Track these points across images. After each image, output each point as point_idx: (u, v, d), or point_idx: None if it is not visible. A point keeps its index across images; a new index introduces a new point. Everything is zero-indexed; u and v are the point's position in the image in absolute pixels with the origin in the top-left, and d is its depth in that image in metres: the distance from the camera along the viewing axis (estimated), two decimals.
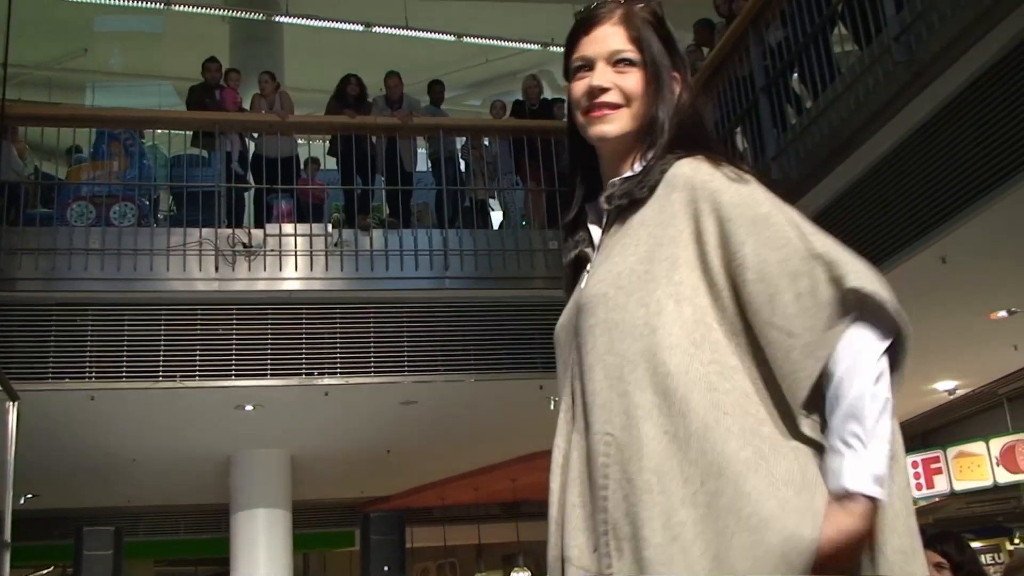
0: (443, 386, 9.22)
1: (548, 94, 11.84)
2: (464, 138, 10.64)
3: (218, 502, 12.05)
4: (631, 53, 1.81)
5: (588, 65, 1.83)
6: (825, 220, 7.50)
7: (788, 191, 7.57)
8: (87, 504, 13.90)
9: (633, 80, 1.81)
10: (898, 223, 6.65)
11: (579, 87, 1.83)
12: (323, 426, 10.53)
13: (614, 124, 1.81)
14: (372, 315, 9.12)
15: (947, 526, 10.46)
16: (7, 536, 8.33)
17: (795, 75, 7.87)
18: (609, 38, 1.82)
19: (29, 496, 12.58)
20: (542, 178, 9.58)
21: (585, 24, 1.85)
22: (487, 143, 10.60)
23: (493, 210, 10.64)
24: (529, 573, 16.13)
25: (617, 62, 1.81)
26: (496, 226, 10.36)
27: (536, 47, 17.45)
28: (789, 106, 7.97)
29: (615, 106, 1.81)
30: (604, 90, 1.80)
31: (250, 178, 9.90)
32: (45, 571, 16.81)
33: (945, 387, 10.55)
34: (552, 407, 10.10)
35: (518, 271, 9.26)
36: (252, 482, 11.33)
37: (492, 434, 11.40)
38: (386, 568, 9.72)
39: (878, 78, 6.36)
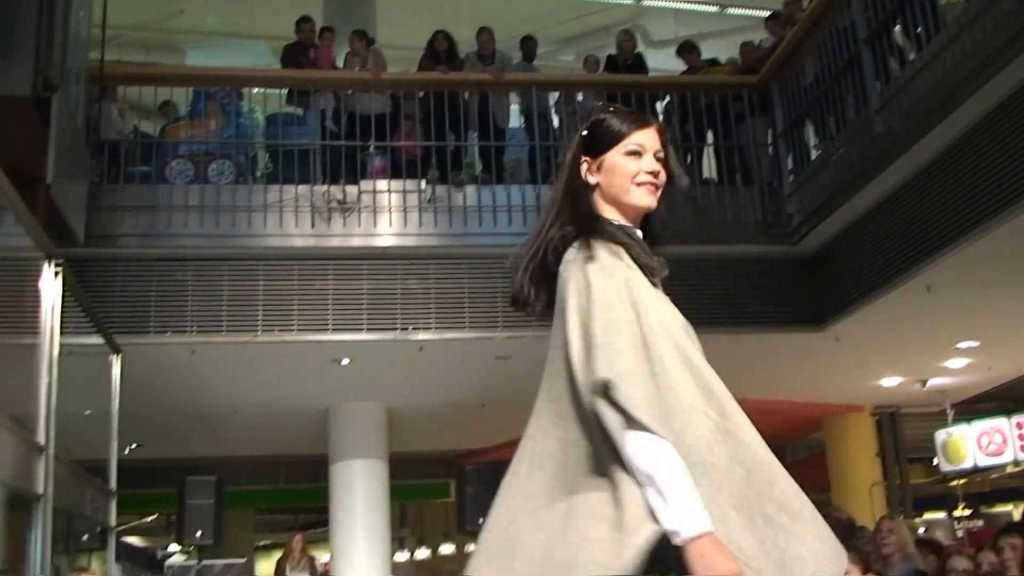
0: (536, 341, 8.96)
1: (641, 48, 11.62)
2: (557, 93, 10.53)
3: (317, 453, 12.24)
4: (662, 156, 2.46)
5: (641, 151, 2.43)
6: (929, 176, 7.33)
7: (892, 145, 7.38)
8: (189, 454, 14.25)
9: (663, 176, 2.45)
10: (1009, 177, 6.43)
11: (641, 163, 2.42)
12: (418, 380, 10.62)
13: (655, 199, 2.45)
14: (466, 271, 9.13)
15: None
16: (113, 485, 8.59)
17: (898, 27, 7.63)
18: (655, 139, 2.45)
19: (134, 446, 12.94)
20: None
21: (640, 121, 2.47)
22: (580, 98, 10.46)
23: None
24: None
25: (657, 159, 2.44)
26: None
27: (629, 1, 17.17)
28: (892, 58, 7.73)
29: (658, 187, 2.44)
30: (657, 173, 2.43)
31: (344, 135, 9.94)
32: (149, 518, 17.35)
33: None
34: None
35: None
36: (350, 434, 11.51)
37: None
38: (481, 520, 9.77)
39: (986, 28, 6.11)
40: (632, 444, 2.06)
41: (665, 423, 2.08)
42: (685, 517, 1.98)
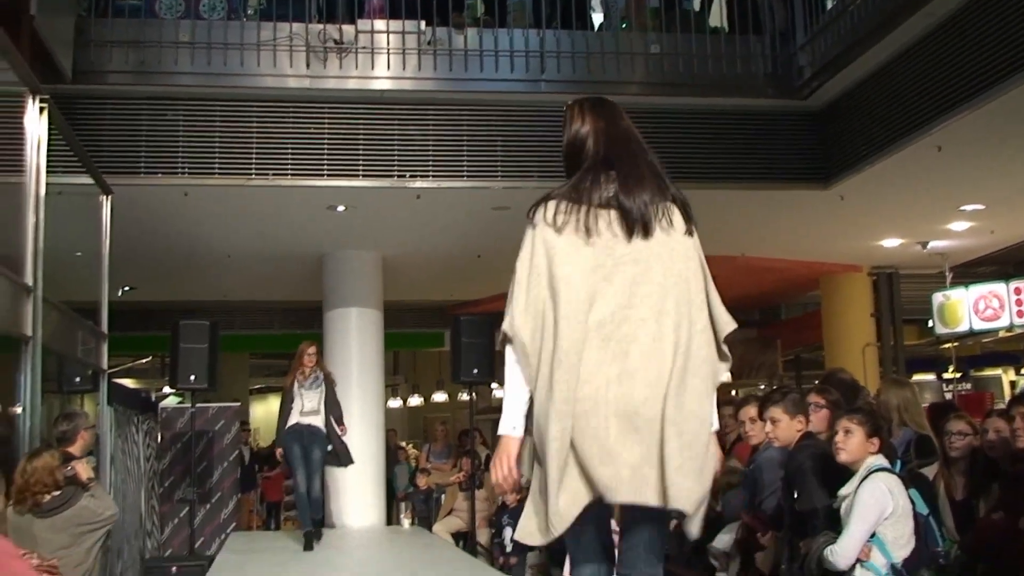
0: (536, 192, 8.86)
1: None
2: None
3: (312, 299, 12.21)
4: None
5: None
6: (947, 32, 7.06)
7: None
8: (184, 298, 14.27)
9: None
10: None
11: None
12: (414, 229, 10.52)
13: None
14: (465, 118, 8.92)
15: None
16: (104, 327, 8.54)
17: None
18: None
19: (127, 289, 12.90)
20: None
21: None
22: None
23: (593, 10, 10.15)
24: None
25: None
26: (595, 27, 9.90)
27: None
28: None
29: None
30: None
31: None
32: (144, 361, 17.46)
33: None
34: None
35: (617, 75, 8.89)
36: (344, 281, 11.47)
37: None
38: (475, 371, 9.81)
39: None
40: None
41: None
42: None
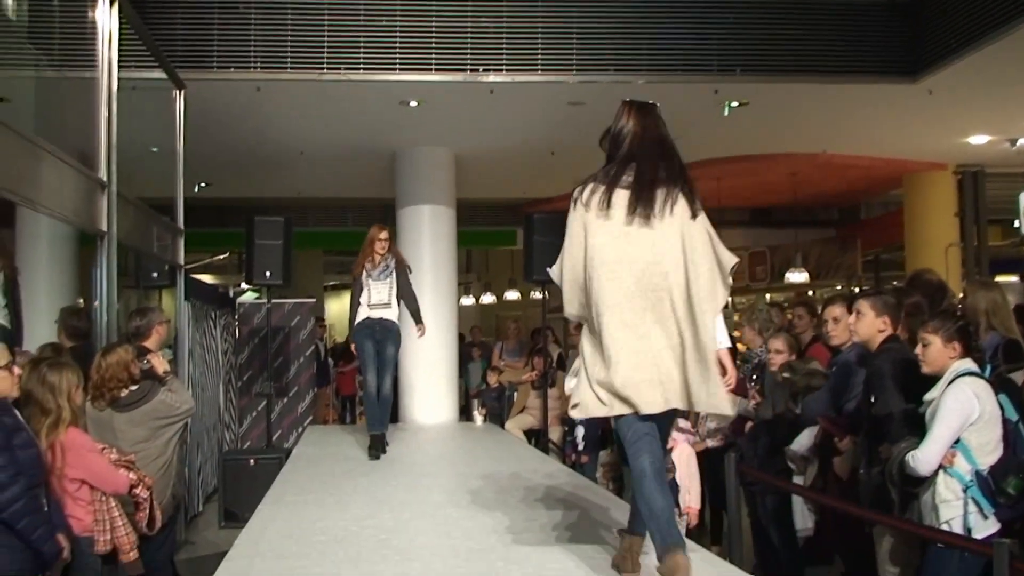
0: (612, 87, 8.85)
1: None
2: None
3: (384, 196, 12.20)
4: None
5: None
6: None
7: None
8: (258, 194, 14.34)
9: None
10: None
11: None
12: (487, 125, 10.40)
13: None
14: (540, 8, 8.72)
15: None
16: (180, 223, 8.59)
17: None
18: None
19: (203, 185, 12.98)
20: None
21: None
22: None
23: None
24: None
25: None
26: None
27: None
28: None
29: None
30: None
31: None
32: (221, 257, 17.66)
33: None
34: (727, 113, 9.66)
35: None
36: (417, 178, 11.41)
37: None
38: (548, 269, 9.70)
39: None
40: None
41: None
42: None
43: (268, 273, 9.51)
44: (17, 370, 4.21)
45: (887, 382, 4.75)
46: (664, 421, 3.76)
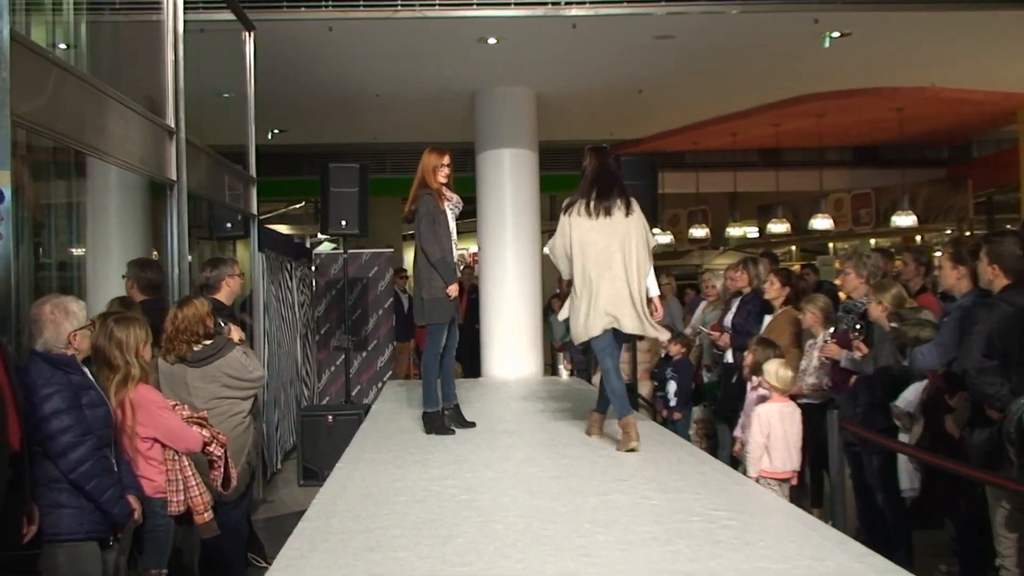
0: (702, 18, 8.47)
1: None
2: None
3: (464, 140, 11.83)
4: None
5: None
6: None
7: None
8: (333, 140, 14.10)
9: None
10: None
11: None
12: (570, 62, 10.01)
13: None
14: None
15: None
16: (252, 171, 8.32)
17: None
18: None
19: (276, 131, 12.75)
20: None
21: None
22: None
23: None
24: (788, 225, 15.41)
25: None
26: None
27: None
28: None
29: None
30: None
31: None
32: (297, 206, 17.52)
33: None
34: (827, 45, 9.11)
35: None
36: (497, 120, 11.04)
37: (755, 74, 10.54)
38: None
39: None
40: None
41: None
42: None
43: (344, 222, 9.27)
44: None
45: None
46: (619, 337, 6.04)
